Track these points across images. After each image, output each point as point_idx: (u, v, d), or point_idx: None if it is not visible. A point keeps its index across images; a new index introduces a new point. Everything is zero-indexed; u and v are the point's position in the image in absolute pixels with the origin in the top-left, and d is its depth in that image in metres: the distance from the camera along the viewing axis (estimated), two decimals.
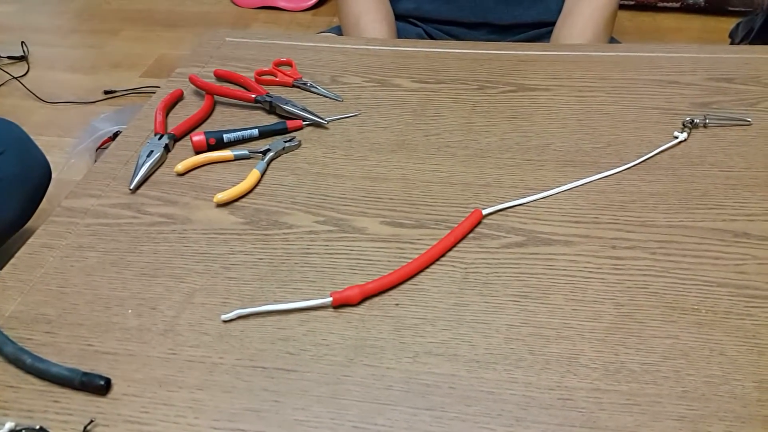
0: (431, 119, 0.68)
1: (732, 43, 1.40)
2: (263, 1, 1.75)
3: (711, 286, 0.48)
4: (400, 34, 1.02)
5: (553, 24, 0.98)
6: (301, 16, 1.62)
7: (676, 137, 0.62)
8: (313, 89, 0.74)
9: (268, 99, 0.70)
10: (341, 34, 1.02)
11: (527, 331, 0.45)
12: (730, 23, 1.34)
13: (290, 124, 0.67)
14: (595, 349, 0.44)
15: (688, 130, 0.63)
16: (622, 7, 1.52)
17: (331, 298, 0.48)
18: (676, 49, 0.78)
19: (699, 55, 0.76)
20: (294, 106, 0.69)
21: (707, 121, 0.64)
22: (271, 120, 0.69)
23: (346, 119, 0.68)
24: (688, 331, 0.45)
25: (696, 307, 0.46)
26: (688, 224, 0.53)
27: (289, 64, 0.78)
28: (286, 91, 0.74)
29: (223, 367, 0.44)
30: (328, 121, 0.68)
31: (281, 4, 1.71)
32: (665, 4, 1.48)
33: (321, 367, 0.44)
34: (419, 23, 1.07)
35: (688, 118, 0.64)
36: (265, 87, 0.74)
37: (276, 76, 0.76)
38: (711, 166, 0.59)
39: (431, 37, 1.06)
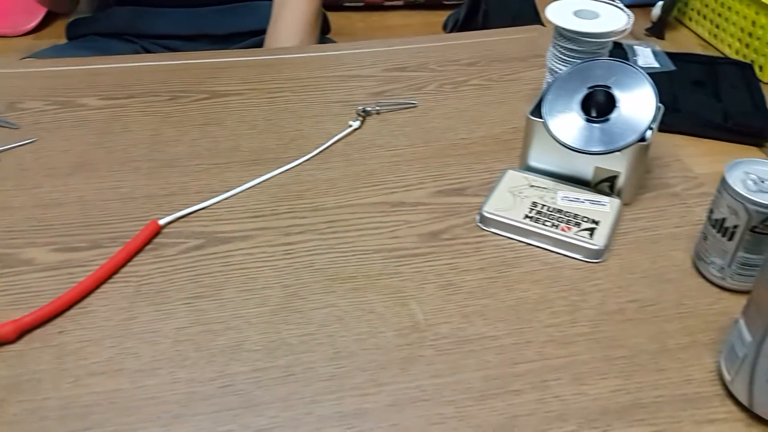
0: (117, 136, 0.67)
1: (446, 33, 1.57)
2: None
3: (368, 253, 0.53)
4: (115, 52, 0.99)
5: None
6: (20, 42, 1.48)
7: (351, 125, 0.69)
8: None
9: None
10: (52, 56, 0.95)
11: (196, 330, 0.47)
12: (445, 16, 1.50)
13: None
14: (259, 333, 0.47)
15: (362, 118, 0.70)
16: (353, 9, 1.62)
17: None
18: (359, 45, 0.85)
19: (378, 49, 0.84)
20: None
21: (378, 107, 0.71)
22: None
23: (21, 147, 0.64)
24: (344, 298, 0.49)
25: (353, 274, 0.51)
26: (354, 202, 0.59)
27: None
28: None
29: None
30: None
31: None
32: (391, 3, 1.62)
33: None
34: (135, 39, 1.04)
35: (361, 107, 0.70)
36: None
37: None
38: (379, 148, 0.66)
39: (148, 53, 1.04)
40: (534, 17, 1.60)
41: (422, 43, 0.87)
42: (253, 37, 1.06)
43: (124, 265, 0.51)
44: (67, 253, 0.53)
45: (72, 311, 0.48)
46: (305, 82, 0.76)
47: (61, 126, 0.67)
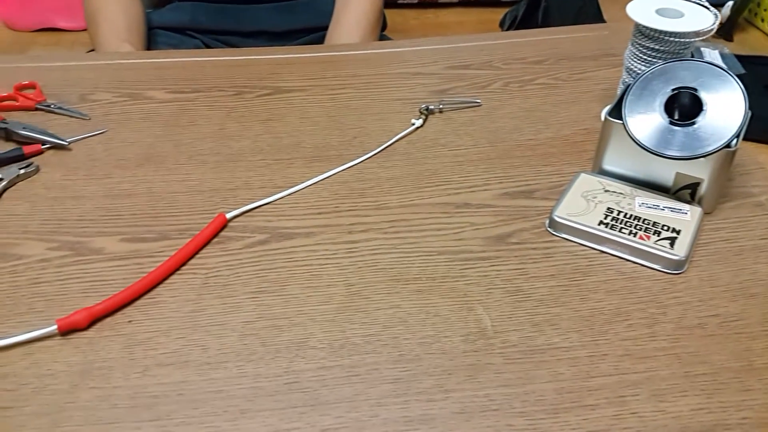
0: (184, 129, 0.67)
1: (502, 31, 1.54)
2: (41, 22, 1.61)
3: (432, 255, 0.52)
4: (178, 47, 1.00)
5: (327, 28, 1.02)
6: (85, 36, 1.53)
7: (413, 124, 0.67)
8: (58, 110, 0.70)
9: (2, 125, 0.65)
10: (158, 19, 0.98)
11: (262, 325, 0.46)
12: (501, 14, 1.47)
13: (27, 149, 0.63)
14: (324, 330, 0.46)
15: (425, 116, 0.68)
16: (407, 6, 1.61)
17: (55, 326, 0.45)
18: (421, 43, 0.84)
19: (440, 46, 0.82)
20: (32, 130, 0.65)
21: (441, 106, 0.70)
22: (8, 147, 0.64)
23: (92, 138, 0.66)
24: (408, 299, 0.48)
25: (417, 276, 0.50)
26: (417, 202, 0.58)
27: (32, 86, 0.73)
28: (28, 115, 0.69)
29: None
30: (70, 142, 0.64)
31: (61, 25, 1.59)
32: (446, 0, 1.61)
33: (42, 399, 0.41)
34: (197, 35, 1.06)
35: (424, 105, 0.69)
36: (4, 113, 0.69)
37: (17, 101, 0.71)
38: (442, 147, 0.65)
39: (208, 48, 1.05)
40: (596, 15, 1.56)
41: (485, 40, 0.85)
42: (311, 33, 1.06)
43: (191, 257, 0.51)
44: (136, 243, 0.53)
45: (141, 301, 0.48)
46: (367, 79, 0.76)
47: (130, 118, 0.68)
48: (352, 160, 0.62)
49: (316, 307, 0.48)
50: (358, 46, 0.88)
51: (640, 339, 0.45)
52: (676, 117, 0.54)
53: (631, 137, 0.53)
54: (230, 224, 0.55)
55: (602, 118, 0.67)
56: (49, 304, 0.48)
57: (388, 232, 0.54)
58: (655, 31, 0.59)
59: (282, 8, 1.04)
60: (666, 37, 0.59)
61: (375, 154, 0.63)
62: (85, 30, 1.62)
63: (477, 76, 0.76)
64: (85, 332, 0.46)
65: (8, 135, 0.65)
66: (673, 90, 0.54)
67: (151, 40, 1.03)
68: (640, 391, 0.42)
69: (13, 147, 0.64)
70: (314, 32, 1.04)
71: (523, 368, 0.43)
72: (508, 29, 1.38)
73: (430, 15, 1.55)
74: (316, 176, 0.60)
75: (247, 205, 0.57)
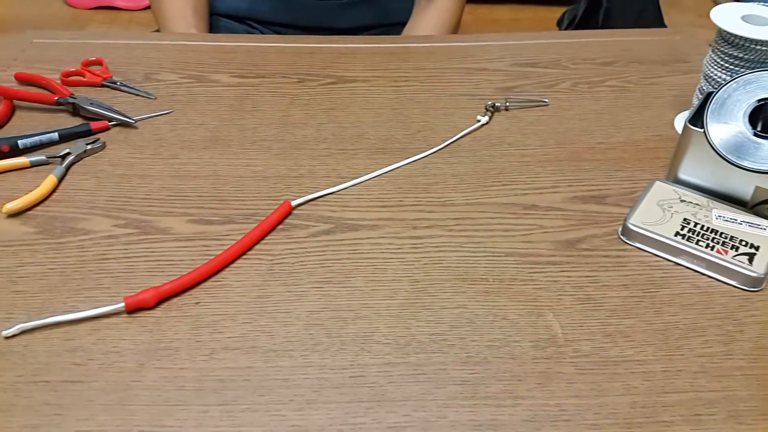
0: (248, 114, 0.67)
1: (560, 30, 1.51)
2: (99, 0, 1.64)
3: (499, 256, 0.51)
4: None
5: (389, 25, 1.01)
6: (141, 15, 1.55)
7: (479, 120, 0.66)
8: (123, 88, 0.70)
9: (71, 100, 0.66)
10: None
11: (327, 316, 0.46)
12: (558, 12, 1.44)
13: (94, 125, 0.64)
14: (389, 326, 0.45)
15: (490, 113, 0.67)
16: None
17: (123, 303, 0.46)
18: (486, 38, 0.82)
19: (506, 42, 0.81)
20: (99, 106, 0.65)
21: (508, 104, 0.68)
22: (75, 122, 0.65)
23: (158, 117, 0.66)
24: (475, 300, 0.47)
25: (484, 276, 0.49)
26: (483, 201, 0.57)
27: (99, 63, 0.74)
28: (95, 91, 0.70)
29: (1, 386, 0.41)
30: (136, 120, 0.65)
31: (119, 4, 1.62)
32: None
33: (109, 375, 0.42)
34: (256, 25, 1.06)
35: (490, 102, 0.68)
36: (71, 88, 0.70)
37: (84, 76, 0.72)
38: (508, 146, 0.63)
39: None
40: (657, 18, 1.52)
41: (552, 38, 0.83)
42: (371, 30, 1.04)
43: (257, 242, 0.51)
44: (201, 225, 0.53)
45: (207, 283, 0.48)
46: (431, 72, 0.74)
47: (196, 100, 0.69)
48: (416, 155, 0.61)
49: (381, 301, 0.47)
50: (422, 38, 0.87)
51: (717, 356, 0.43)
52: (760, 129, 0.52)
53: (711, 146, 0.51)
54: (295, 212, 0.55)
55: (675, 125, 0.65)
56: (115, 281, 0.48)
57: (453, 230, 0.53)
58: (741, 38, 0.57)
59: (345, 5, 1.03)
60: (752, 45, 0.57)
61: (440, 150, 0.62)
62: (141, 9, 1.64)
63: (544, 75, 0.74)
64: (151, 311, 0.46)
65: (76, 110, 0.66)
66: (759, 101, 0.52)
67: (211, 25, 1.03)
68: (717, 410, 0.40)
69: (80, 122, 0.65)
70: (375, 29, 1.03)
71: (595, 380, 0.42)
72: (566, 28, 1.35)
73: (484, 10, 1.53)
74: (380, 168, 0.59)
75: (311, 193, 0.56)
